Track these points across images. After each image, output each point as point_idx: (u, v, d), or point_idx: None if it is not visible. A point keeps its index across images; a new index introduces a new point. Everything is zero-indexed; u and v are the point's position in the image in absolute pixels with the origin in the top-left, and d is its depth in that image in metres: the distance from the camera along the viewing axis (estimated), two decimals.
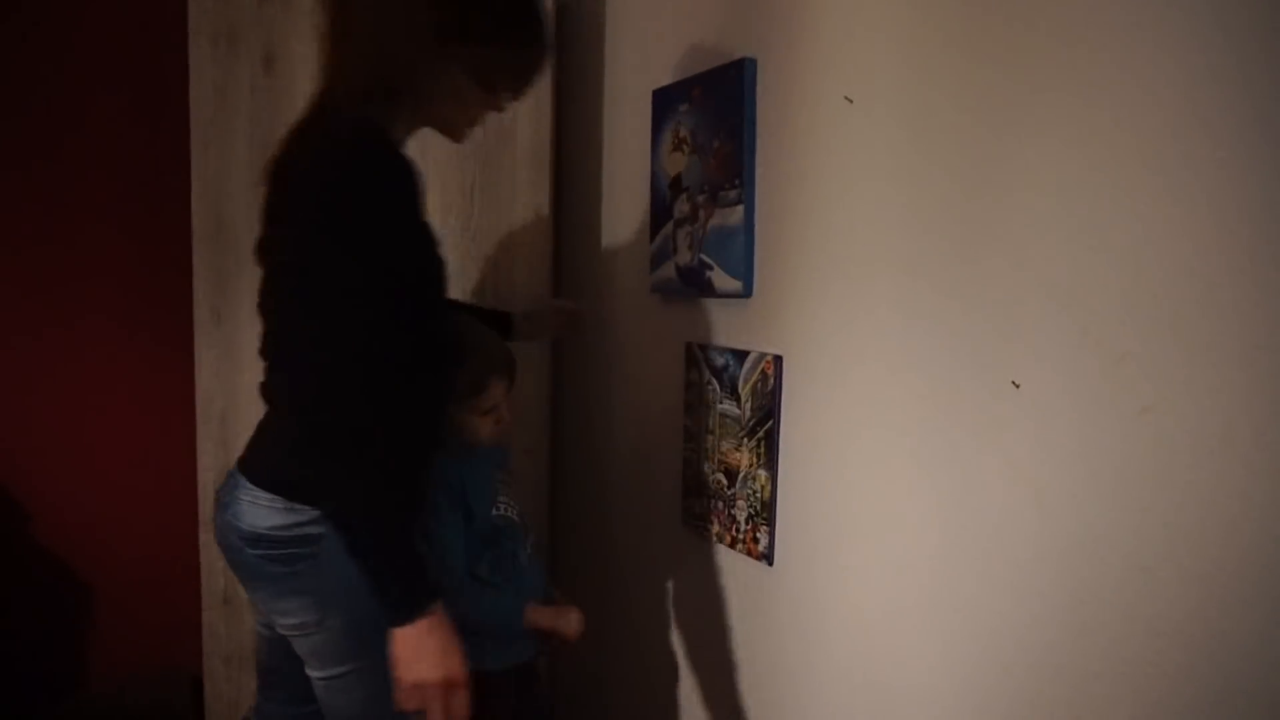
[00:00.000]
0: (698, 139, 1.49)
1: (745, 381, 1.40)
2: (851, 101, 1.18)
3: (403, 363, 1.08)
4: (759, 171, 1.37)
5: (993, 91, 0.97)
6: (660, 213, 1.62)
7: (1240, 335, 0.75)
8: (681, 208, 1.54)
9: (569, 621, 1.48)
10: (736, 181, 1.39)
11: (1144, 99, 0.82)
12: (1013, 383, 0.96)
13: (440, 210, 1.76)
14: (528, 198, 1.83)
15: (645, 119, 1.67)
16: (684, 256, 1.54)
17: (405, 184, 1.05)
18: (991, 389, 0.98)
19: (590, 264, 1.98)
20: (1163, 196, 0.81)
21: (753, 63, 1.36)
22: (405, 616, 1.04)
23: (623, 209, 1.83)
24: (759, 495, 1.39)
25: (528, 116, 1.81)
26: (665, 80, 1.60)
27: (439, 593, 1.07)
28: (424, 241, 1.13)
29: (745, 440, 1.41)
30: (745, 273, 1.39)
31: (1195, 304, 0.78)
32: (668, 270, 1.60)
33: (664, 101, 1.60)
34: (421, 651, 1.04)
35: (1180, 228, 0.79)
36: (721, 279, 1.43)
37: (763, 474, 1.37)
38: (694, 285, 1.52)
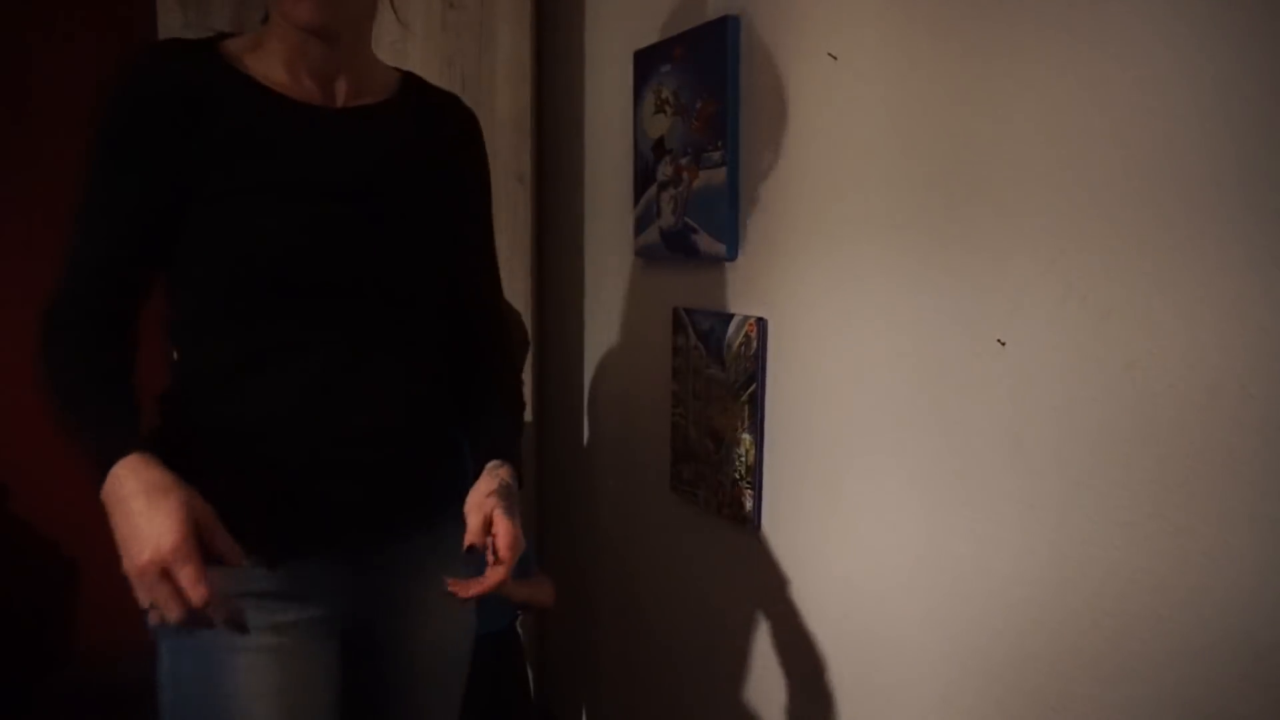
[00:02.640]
0: (680, 100, 1.47)
1: (730, 345, 1.39)
2: (836, 59, 1.16)
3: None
4: (742, 132, 1.35)
5: (978, 47, 0.96)
6: (643, 176, 1.60)
7: (1226, 290, 0.74)
8: (665, 170, 1.52)
9: (541, 592, 1.51)
10: (720, 143, 1.37)
11: (1131, 55, 0.81)
12: (998, 340, 0.95)
13: None
14: (509, 162, 1.80)
15: (627, 81, 1.64)
16: (668, 220, 1.52)
17: (111, 110, 0.96)
18: (977, 347, 0.98)
19: (573, 229, 1.96)
20: (1148, 151, 0.80)
21: (735, 20, 1.34)
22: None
23: (605, 173, 1.80)
24: (744, 459, 1.38)
25: (507, 79, 1.78)
26: (647, 40, 1.57)
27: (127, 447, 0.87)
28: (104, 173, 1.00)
29: (730, 404, 1.41)
30: (730, 235, 1.37)
31: (1182, 259, 0.78)
32: (652, 234, 1.58)
33: (645, 62, 1.57)
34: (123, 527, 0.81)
35: (1166, 183, 0.78)
36: (706, 242, 1.42)
37: (747, 438, 1.37)
38: (678, 249, 1.50)
